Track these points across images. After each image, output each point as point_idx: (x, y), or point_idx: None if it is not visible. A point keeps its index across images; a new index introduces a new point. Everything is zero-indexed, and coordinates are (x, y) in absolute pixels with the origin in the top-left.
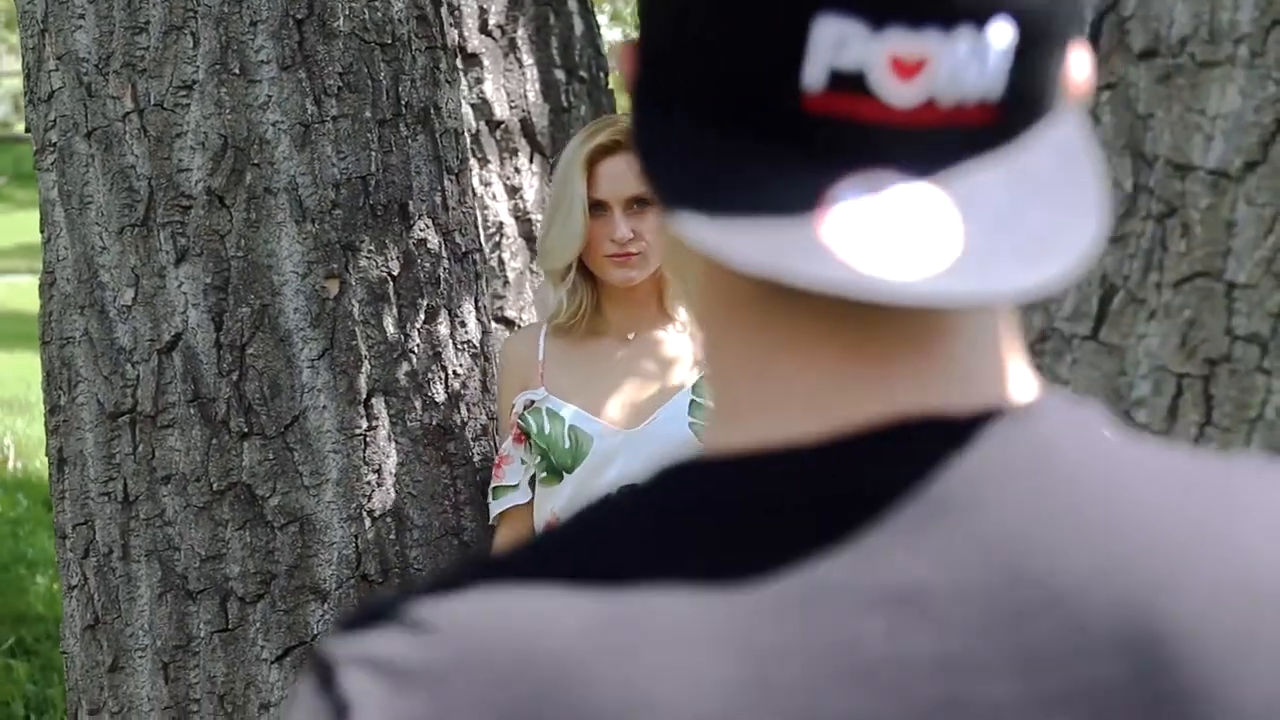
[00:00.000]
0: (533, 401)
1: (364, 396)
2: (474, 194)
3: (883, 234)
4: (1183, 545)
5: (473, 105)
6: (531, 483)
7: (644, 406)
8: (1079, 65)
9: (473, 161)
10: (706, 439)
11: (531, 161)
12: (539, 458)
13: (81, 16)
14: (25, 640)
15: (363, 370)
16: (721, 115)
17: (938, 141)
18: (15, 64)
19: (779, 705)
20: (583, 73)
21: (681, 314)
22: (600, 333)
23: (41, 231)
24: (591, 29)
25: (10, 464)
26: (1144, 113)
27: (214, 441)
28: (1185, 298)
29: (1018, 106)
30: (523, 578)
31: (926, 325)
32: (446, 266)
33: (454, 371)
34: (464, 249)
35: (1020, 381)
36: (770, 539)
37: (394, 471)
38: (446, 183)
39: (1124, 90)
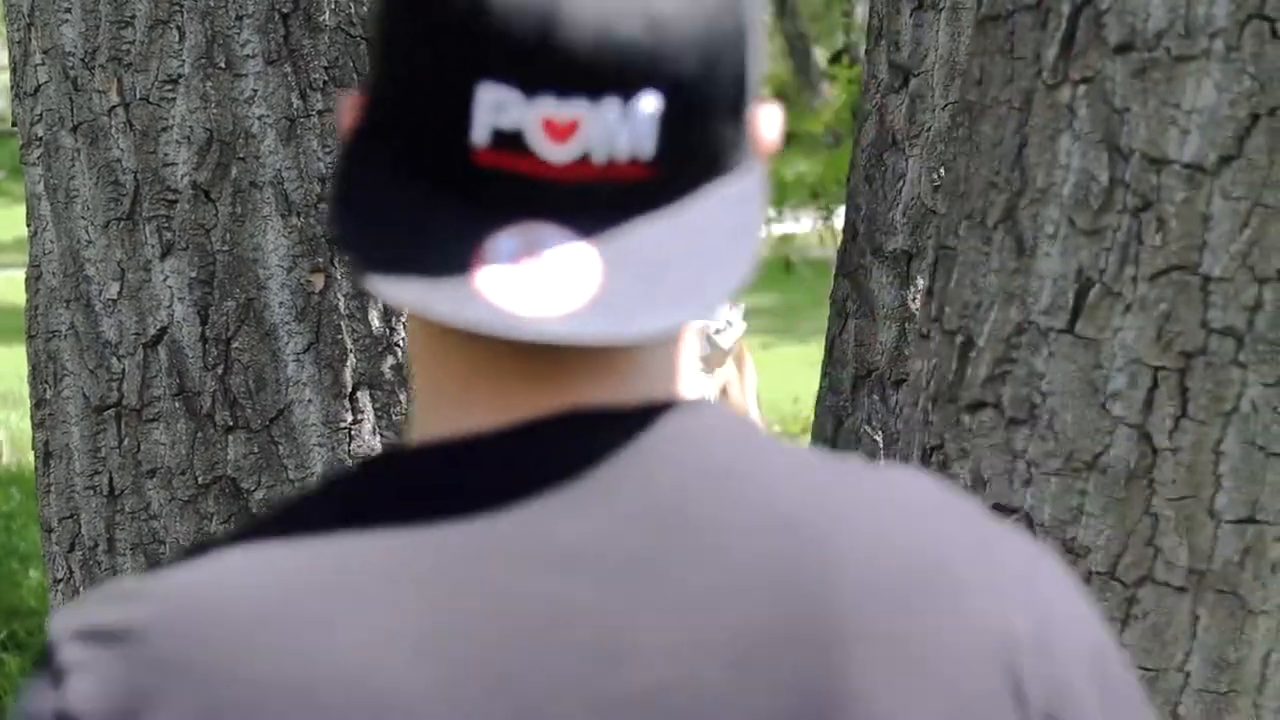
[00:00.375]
0: None
1: (349, 390)
2: None
3: (529, 279)
4: (832, 515)
5: None
6: None
7: None
8: (768, 123)
9: None
10: (409, 438)
11: None
12: None
13: (67, 10)
14: (18, 634)
15: (348, 364)
16: (409, 162)
17: (592, 194)
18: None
19: (456, 654)
20: None
21: None
22: None
23: (28, 225)
24: None
25: (4, 458)
26: (1120, 106)
27: (199, 435)
28: (1161, 291)
29: (676, 164)
30: (235, 549)
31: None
32: None
33: None
34: None
35: (690, 386)
36: (452, 512)
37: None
38: None
39: (1100, 84)
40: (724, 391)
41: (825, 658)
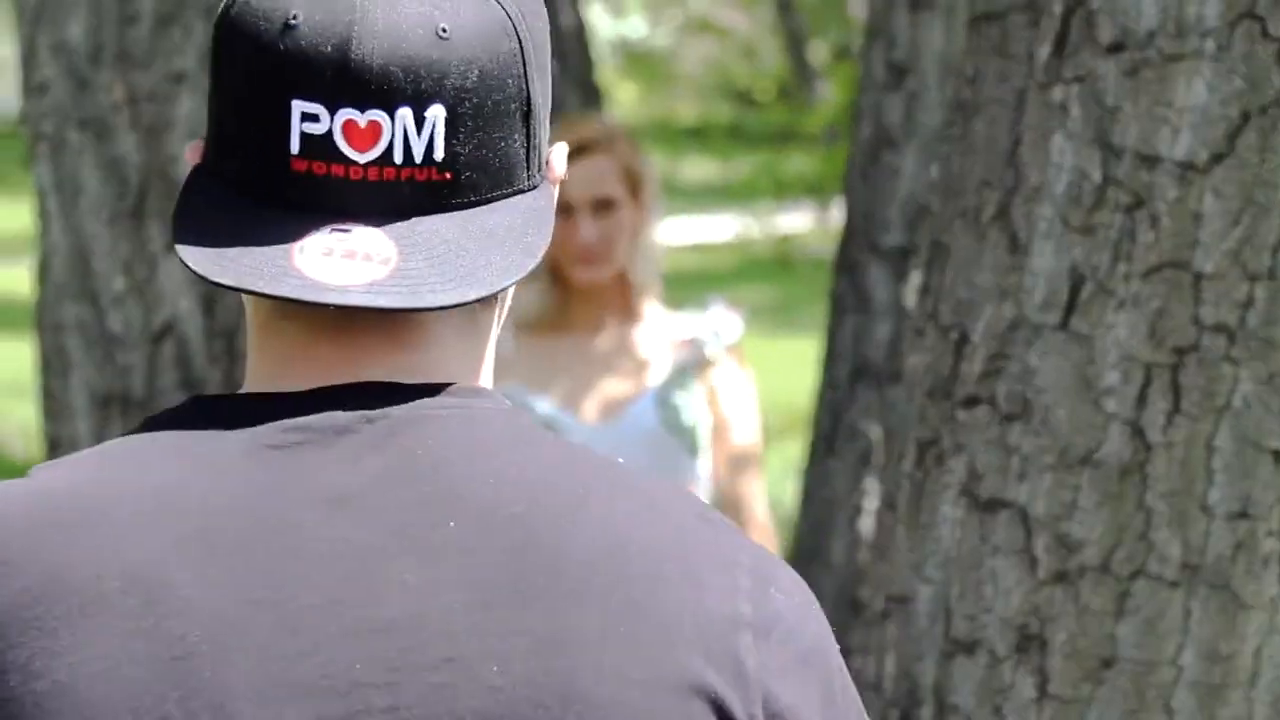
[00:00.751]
0: (505, 394)
1: None
2: None
3: (337, 261)
4: (578, 495)
5: None
6: None
7: (614, 401)
8: (559, 158)
9: None
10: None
11: None
12: None
13: (74, 8)
14: None
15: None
16: (237, 181)
17: (392, 193)
18: None
19: (231, 566)
20: (571, 67)
21: (647, 312)
22: (567, 330)
23: (36, 221)
24: (581, 24)
25: (16, 450)
26: (1112, 105)
27: None
28: (1153, 288)
29: (465, 169)
30: (60, 466)
31: (399, 326)
32: None
33: None
34: None
35: (480, 371)
36: (245, 453)
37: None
38: None
39: (1092, 83)
40: (712, 398)
41: (550, 610)
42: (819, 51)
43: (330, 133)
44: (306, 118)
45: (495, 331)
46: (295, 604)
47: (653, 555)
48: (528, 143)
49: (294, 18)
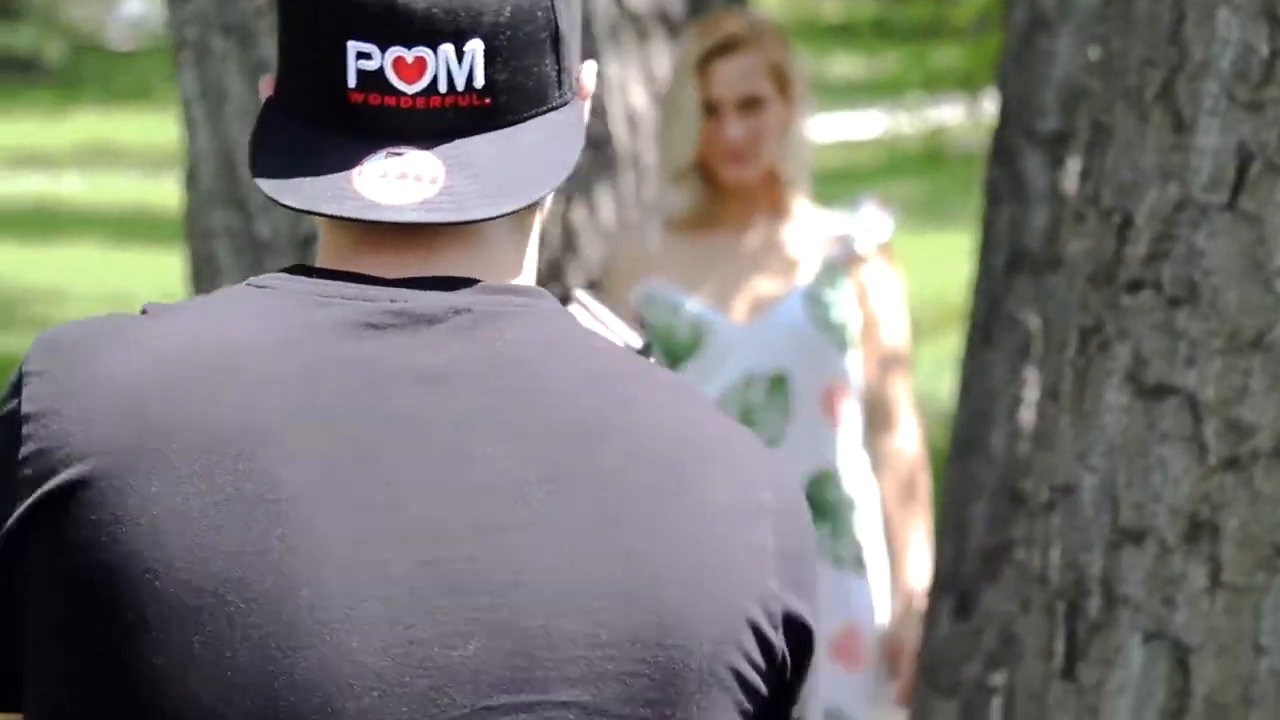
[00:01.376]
0: (651, 294)
1: None
2: (605, 82)
3: (392, 181)
4: (629, 391)
5: None
6: None
7: (763, 299)
8: (589, 74)
9: (609, 50)
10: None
11: (668, 50)
12: (659, 349)
13: None
14: None
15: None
16: (303, 112)
17: (439, 119)
18: None
19: (331, 423)
20: None
21: (796, 209)
22: (715, 227)
23: (181, 129)
24: None
25: None
26: None
27: None
28: None
29: (503, 94)
30: (179, 311)
31: (458, 231)
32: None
33: (589, 258)
34: (596, 137)
35: (528, 266)
36: (344, 324)
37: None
38: None
39: None
40: (861, 296)
41: (601, 495)
42: None
43: (382, 69)
44: (361, 56)
45: (538, 229)
46: (388, 463)
47: (702, 446)
48: (558, 65)
49: None
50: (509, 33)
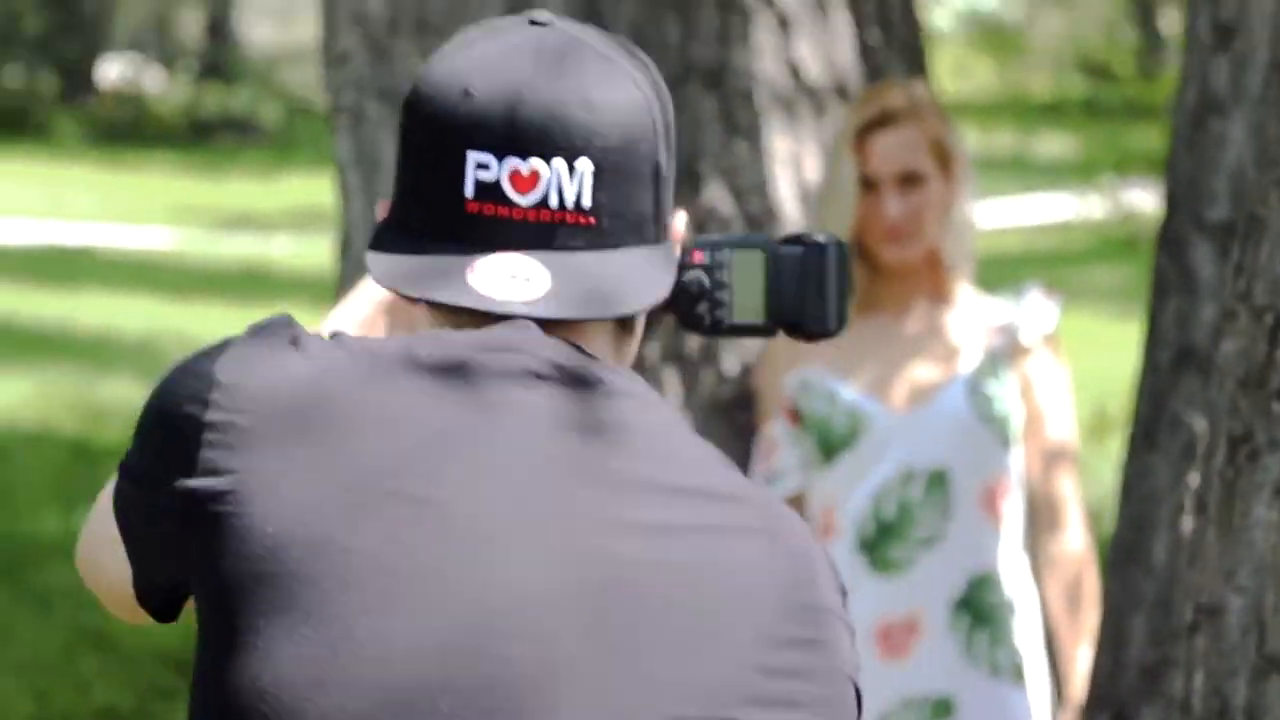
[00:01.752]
0: (806, 380)
1: (653, 366)
2: (774, 156)
3: (505, 282)
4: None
5: (783, 68)
6: (802, 469)
7: (923, 388)
8: (680, 222)
9: (783, 123)
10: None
11: None
12: (812, 440)
13: None
14: None
15: (651, 339)
16: (421, 226)
17: (551, 231)
18: None
19: (462, 441)
20: (897, 33)
21: (959, 294)
22: (874, 311)
23: (337, 195)
24: None
25: None
26: None
27: None
28: None
29: (608, 216)
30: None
31: (566, 333)
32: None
33: (745, 342)
34: (759, 214)
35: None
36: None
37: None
38: (738, 145)
39: None
40: (1026, 386)
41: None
42: (1171, 19)
43: (499, 180)
44: (479, 166)
45: (633, 347)
46: (515, 478)
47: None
48: (656, 204)
49: (471, 87)
50: (617, 158)
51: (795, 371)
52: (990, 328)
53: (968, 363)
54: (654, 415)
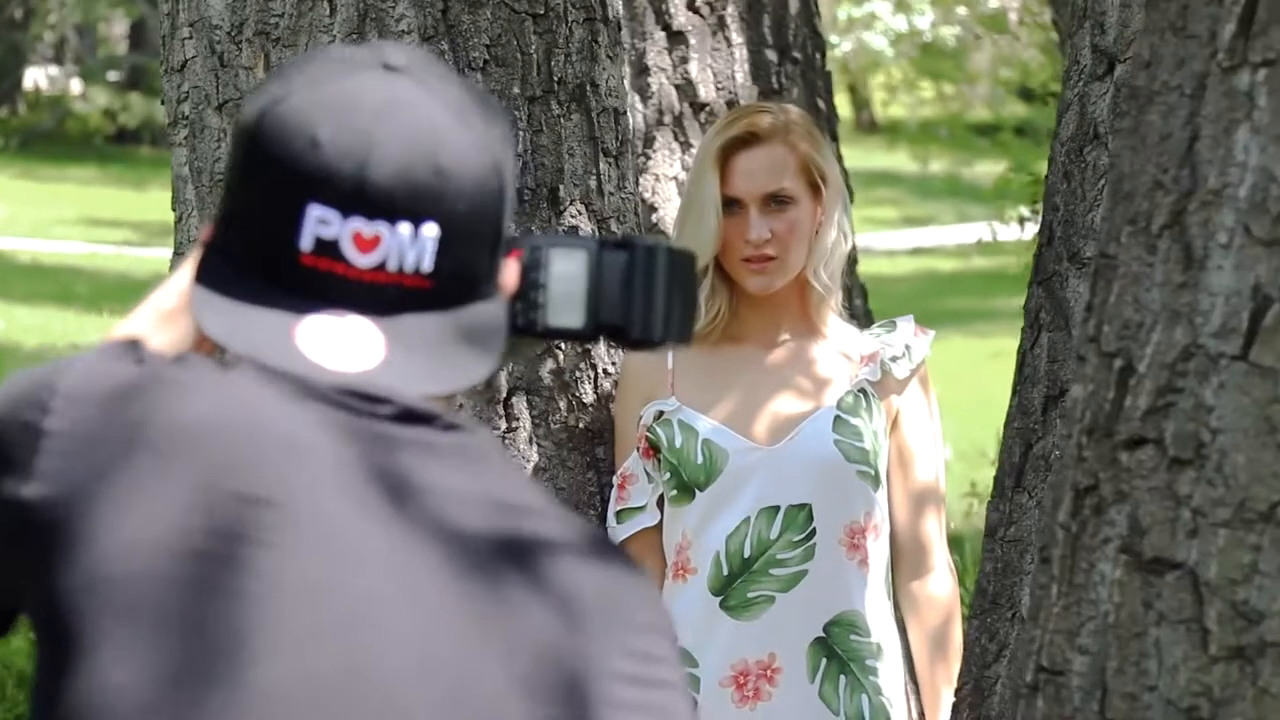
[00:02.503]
0: (663, 413)
1: (504, 395)
2: (637, 179)
3: (335, 345)
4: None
5: (677, 86)
6: (659, 503)
7: (785, 421)
8: (510, 272)
9: (675, 145)
10: None
11: None
12: (668, 474)
13: None
14: None
15: (504, 367)
16: (250, 264)
17: (384, 293)
18: None
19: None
20: (796, 53)
21: (827, 322)
22: (738, 340)
23: (173, 209)
24: (808, 6)
25: None
26: None
27: None
28: None
29: (447, 279)
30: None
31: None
32: None
33: (604, 370)
34: (626, 238)
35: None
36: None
37: (535, 477)
38: (603, 166)
39: None
40: (894, 422)
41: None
42: None
43: (338, 239)
44: (320, 221)
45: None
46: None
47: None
48: (492, 262)
49: (320, 137)
50: (463, 224)
51: (653, 403)
52: (859, 360)
53: (834, 395)
54: (489, 444)
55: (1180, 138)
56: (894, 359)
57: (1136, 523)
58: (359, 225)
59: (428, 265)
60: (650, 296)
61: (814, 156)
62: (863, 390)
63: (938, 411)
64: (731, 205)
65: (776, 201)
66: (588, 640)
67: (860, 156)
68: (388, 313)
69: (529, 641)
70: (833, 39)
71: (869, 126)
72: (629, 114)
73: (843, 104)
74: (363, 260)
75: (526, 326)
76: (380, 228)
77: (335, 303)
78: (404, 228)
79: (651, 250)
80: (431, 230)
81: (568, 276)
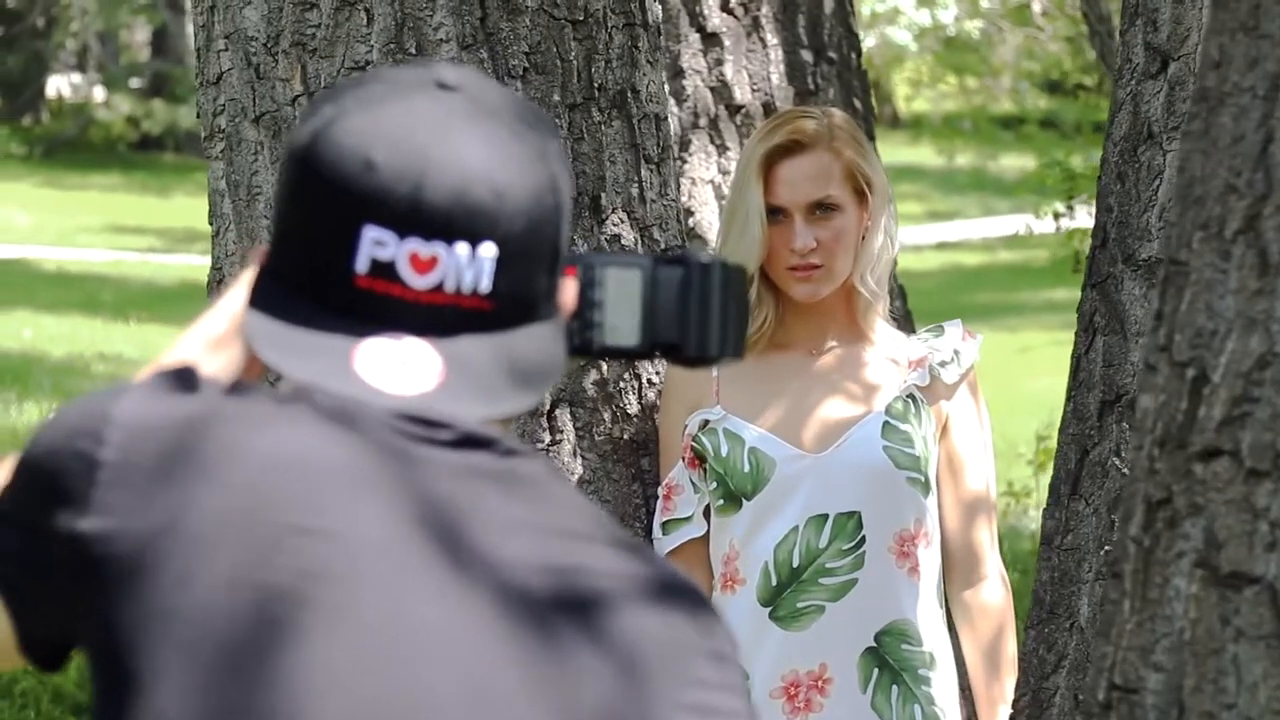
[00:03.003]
0: (708, 421)
1: (547, 408)
2: (678, 185)
3: (393, 369)
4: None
5: (712, 88)
6: (706, 513)
7: (833, 428)
8: (568, 291)
9: (711, 148)
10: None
11: None
12: (715, 484)
13: None
14: None
15: None
16: (305, 286)
17: (442, 315)
18: None
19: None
20: (831, 53)
21: (874, 328)
22: (783, 347)
23: (210, 223)
24: (843, 5)
25: None
26: None
27: None
28: None
29: (506, 300)
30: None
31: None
32: None
33: (648, 380)
34: (664, 245)
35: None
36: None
37: (579, 489)
38: (645, 172)
39: None
40: (944, 429)
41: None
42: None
43: (394, 260)
44: (376, 243)
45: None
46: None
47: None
48: (550, 281)
49: (375, 159)
50: (521, 243)
51: (698, 412)
52: (907, 365)
53: (883, 401)
54: (547, 470)
55: (1253, 140)
56: (943, 364)
57: (1212, 536)
58: (416, 246)
59: (486, 286)
60: (706, 313)
61: (859, 162)
62: (911, 396)
63: (988, 418)
64: (776, 214)
65: (821, 209)
66: (650, 696)
67: (884, 151)
68: (445, 334)
69: (590, 706)
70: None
71: (892, 122)
72: (669, 120)
73: None
74: (420, 281)
75: (583, 346)
76: (438, 249)
77: (392, 325)
78: (461, 248)
79: (707, 267)
80: (489, 250)
81: (623, 295)
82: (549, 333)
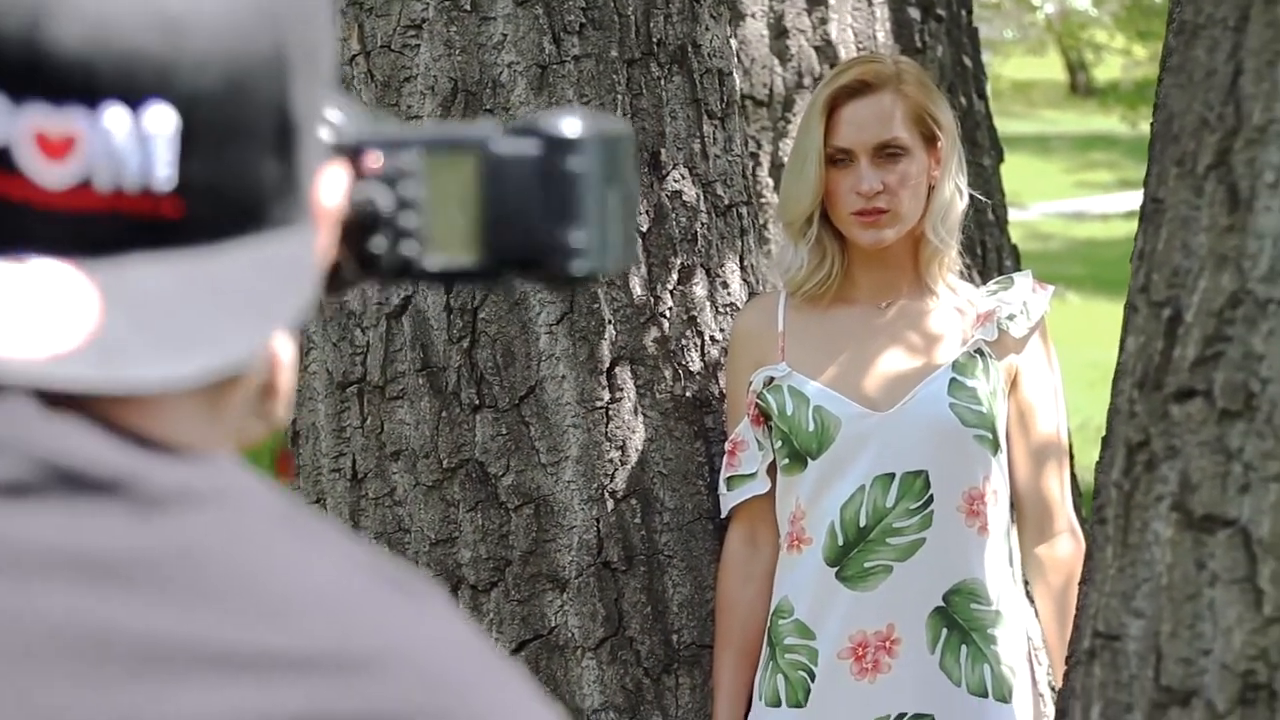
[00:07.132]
0: (773, 379)
1: (607, 365)
2: (745, 141)
3: (18, 316)
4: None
5: (816, 48)
6: (770, 470)
7: (900, 385)
8: (330, 186)
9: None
10: None
11: None
12: (780, 442)
13: None
14: None
15: (605, 336)
16: None
17: (95, 226)
18: None
19: None
20: (940, 10)
21: (943, 280)
22: (850, 301)
23: None
24: None
25: None
26: None
27: (444, 414)
28: None
29: (197, 199)
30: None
31: (110, 400)
32: (705, 221)
33: (711, 337)
34: (728, 202)
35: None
36: None
37: (640, 448)
38: (707, 128)
39: None
40: (1014, 382)
41: None
42: None
43: (12, 137)
44: None
45: (234, 420)
46: None
47: None
48: (285, 169)
49: None
50: (217, 109)
51: (761, 370)
52: (975, 319)
53: (949, 357)
54: (235, 532)
55: (1224, 73)
56: (1010, 317)
57: (1187, 479)
58: (39, 117)
59: (164, 175)
60: (575, 207)
61: (927, 105)
62: (979, 351)
63: (1059, 368)
64: (841, 157)
65: (888, 152)
66: None
67: (1075, 120)
68: (104, 257)
69: None
70: (1034, 1)
71: (1085, 90)
72: (733, 75)
73: (1055, 67)
74: (54, 174)
75: (402, 267)
76: (74, 118)
77: (18, 246)
78: (115, 116)
79: (572, 142)
80: (163, 118)
81: (450, 189)
82: (285, 248)
